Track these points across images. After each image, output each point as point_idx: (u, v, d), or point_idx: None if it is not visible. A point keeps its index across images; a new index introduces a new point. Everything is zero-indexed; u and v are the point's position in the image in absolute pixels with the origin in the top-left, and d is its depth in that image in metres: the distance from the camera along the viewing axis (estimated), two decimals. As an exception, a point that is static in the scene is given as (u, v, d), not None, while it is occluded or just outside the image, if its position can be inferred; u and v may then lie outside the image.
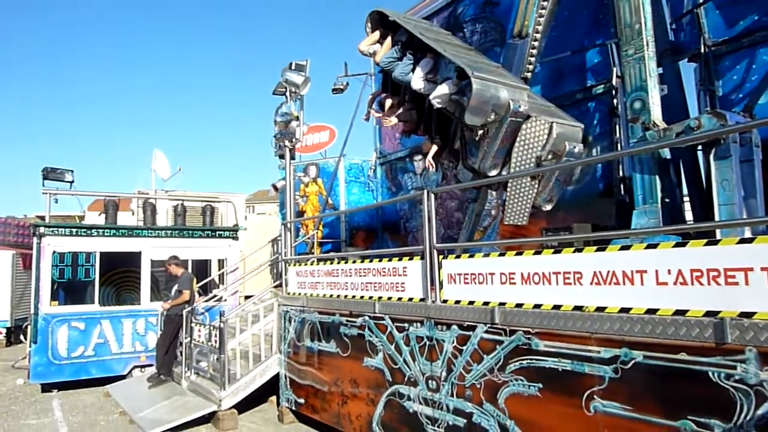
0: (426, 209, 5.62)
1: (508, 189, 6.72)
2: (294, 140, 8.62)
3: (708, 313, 3.37)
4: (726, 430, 3.20)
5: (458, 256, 5.37)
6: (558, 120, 6.80)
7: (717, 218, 6.37)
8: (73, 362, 10.53)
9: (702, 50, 7.54)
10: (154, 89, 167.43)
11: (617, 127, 8.21)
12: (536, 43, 7.72)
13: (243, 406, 8.44)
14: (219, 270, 12.51)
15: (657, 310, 3.63)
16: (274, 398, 9.04)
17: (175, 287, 9.94)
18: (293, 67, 8.39)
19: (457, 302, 5.21)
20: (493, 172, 6.70)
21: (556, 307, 4.27)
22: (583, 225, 7.88)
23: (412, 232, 12.64)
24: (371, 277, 6.50)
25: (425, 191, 5.67)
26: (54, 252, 10.63)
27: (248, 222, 18.52)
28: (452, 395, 5.17)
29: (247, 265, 13.61)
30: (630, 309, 3.78)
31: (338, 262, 7.33)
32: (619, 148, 8.19)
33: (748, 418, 3.13)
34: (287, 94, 8.57)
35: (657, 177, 6.88)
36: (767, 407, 3.08)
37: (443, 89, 6.63)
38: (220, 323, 8.24)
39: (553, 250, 4.38)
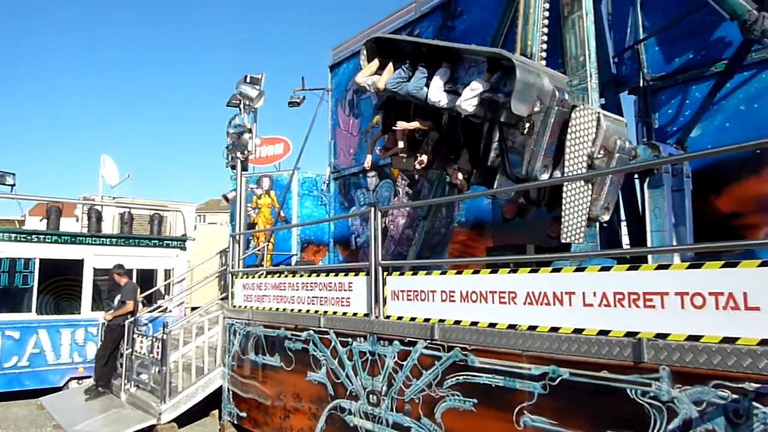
0: (372, 226, 5.76)
1: (564, 201, 5.72)
2: (246, 152, 8.66)
3: (628, 334, 3.61)
4: (641, 444, 3.43)
5: (402, 273, 5.52)
6: (603, 111, 6.21)
7: (649, 243, 6.76)
8: (6, 373, 10.13)
9: (641, 84, 8.01)
10: (104, 92, 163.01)
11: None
12: (543, 63, 7.31)
13: (184, 419, 8.33)
14: (165, 280, 12.31)
15: (583, 330, 3.86)
16: (216, 412, 8.95)
17: (118, 297, 9.75)
18: (248, 80, 8.46)
19: (400, 318, 5.35)
20: (545, 176, 5.82)
21: (492, 324, 4.46)
22: (530, 247, 8.21)
23: (362, 248, 12.77)
24: (318, 291, 6.58)
25: (372, 209, 5.82)
26: (-10, 257, 10.26)
27: (197, 232, 18.28)
28: (392, 410, 5.29)
29: (194, 276, 13.44)
30: (559, 328, 4.00)
31: (286, 276, 7.37)
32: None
33: (660, 432, 3.36)
34: (241, 106, 8.62)
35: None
36: (677, 422, 3.32)
37: (473, 90, 5.86)
38: (163, 335, 8.14)
39: (490, 270, 4.59)
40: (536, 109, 5.60)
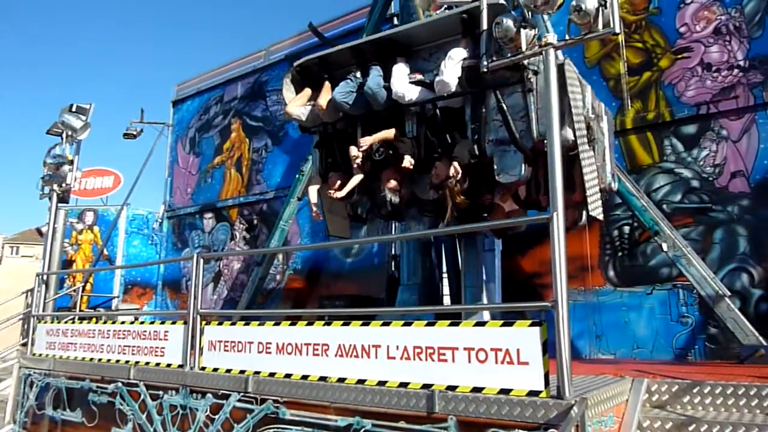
0: (194, 274, 5.63)
1: (584, 165, 5.02)
2: (64, 185, 8.03)
3: (424, 386, 3.91)
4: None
5: (221, 323, 5.44)
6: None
7: (463, 298, 7.37)
8: None
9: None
10: None
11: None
12: None
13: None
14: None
15: (386, 381, 4.09)
16: (0, 477, 7.86)
17: None
18: (73, 109, 7.93)
19: (215, 370, 5.23)
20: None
21: (305, 377, 4.54)
22: (361, 297, 8.52)
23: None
24: (131, 340, 6.21)
25: (195, 255, 5.69)
26: None
27: (4, 266, 16.28)
28: (200, 467, 5.09)
29: (-3, 316, 11.86)
30: (365, 380, 4.20)
31: (96, 322, 6.86)
32: (394, 229, 8.98)
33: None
34: (63, 135, 8.04)
35: (420, 258, 7.78)
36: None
37: (452, 60, 5.15)
38: (-61, 387, 7.07)
39: (306, 322, 4.71)
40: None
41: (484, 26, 4.30)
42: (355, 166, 5.94)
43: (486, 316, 6.51)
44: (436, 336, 3.92)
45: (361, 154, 5.85)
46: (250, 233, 11.66)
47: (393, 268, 9.17)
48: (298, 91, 6.51)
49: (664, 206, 7.16)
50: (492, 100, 5.27)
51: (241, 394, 4.88)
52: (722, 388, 4.19)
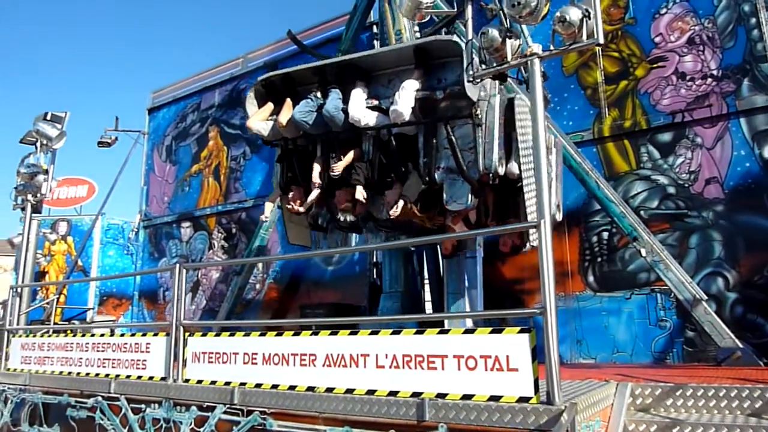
0: (177, 284, 5.56)
1: (527, 197, 5.34)
2: (39, 195, 7.87)
3: (414, 394, 3.92)
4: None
5: (205, 334, 5.38)
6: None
7: (446, 305, 7.41)
8: None
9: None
10: None
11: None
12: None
13: None
14: None
15: (375, 390, 4.10)
16: (-29, 497, 7.62)
17: None
18: (48, 118, 7.79)
19: (200, 382, 5.17)
20: (501, 169, 5.45)
21: (292, 387, 4.52)
22: (340, 305, 8.51)
23: (171, 302, 12.10)
24: (111, 352, 6.09)
25: (177, 266, 5.62)
26: None
27: (-29, 279, 15.85)
28: (184, 481, 5.01)
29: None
30: (354, 390, 4.20)
31: (74, 335, 6.72)
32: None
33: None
34: (37, 144, 7.88)
35: (402, 266, 7.80)
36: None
37: (405, 90, 5.49)
38: None
39: (293, 332, 4.69)
40: (483, 93, 5.45)
41: (470, 36, 4.36)
42: (315, 185, 6.27)
43: (469, 323, 6.56)
44: (425, 344, 3.94)
45: (319, 180, 6.21)
46: (229, 242, 11.56)
47: (375, 276, 9.19)
48: (261, 105, 6.67)
49: (642, 212, 7.31)
50: (443, 131, 5.59)
51: (227, 405, 4.83)
52: (704, 391, 4.28)
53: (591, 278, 7.64)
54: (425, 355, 3.93)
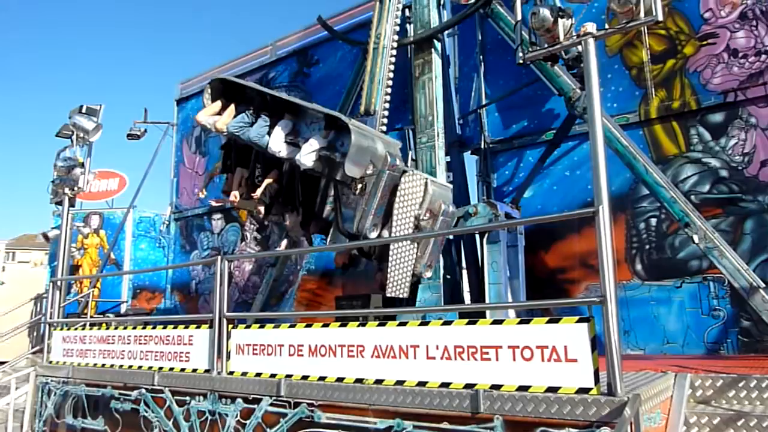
0: (218, 276, 5.65)
1: (390, 257, 6.44)
2: (76, 188, 8.06)
3: (467, 386, 3.94)
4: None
5: (248, 326, 5.46)
6: (430, 177, 7.03)
7: (487, 295, 7.38)
8: None
9: (482, 146, 8.88)
10: None
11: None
12: (385, 120, 8.11)
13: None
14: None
15: (426, 382, 4.12)
16: (18, 488, 7.91)
17: None
18: (84, 111, 7.95)
19: (244, 374, 5.27)
20: (374, 234, 6.45)
21: (340, 379, 4.58)
22: (377, 296, 8.54)
23: (203, 295, 12.31)
24: (153, 345, 6.24)
25: (219, 257, 5.72)
26: None
27: (6, 273, 16.34)
28: (231, 473, 5.12)
29: (2, 326, 11.91)
30: (404, 381, 4.23)
31: (115, 328, 6.89)
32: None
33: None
34: (73, 138, 8.06)
35: (441, 256, 7.79)
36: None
37: (312, 145, 6.42)
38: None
39: (339, 323, 4.74)
40: (369, 172, 6.24)
41: (518, 17, 4.31)
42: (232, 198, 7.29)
43: (511, 314, 6.54)
44: (478, 335, 3.95)
45: (237, 197, 7.26)
46: (262, 233, 11.67)
47: (412, 266, 9.18)
48: (214, 99, 7.40)
49: (693, 197, 7.15)
50: (332, 188, 6.64)
51: (273, 398, 4.91)
52: (769, 382, 4.21)
53: (639, 266, 7.52)
54: (478, 345, 3.93)
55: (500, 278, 7.39)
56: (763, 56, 7.14)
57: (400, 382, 4.25)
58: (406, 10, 9.86)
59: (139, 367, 6.31)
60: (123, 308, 12.51)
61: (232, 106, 7.14)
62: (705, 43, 7.53)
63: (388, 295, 6.55)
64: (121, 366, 6.56)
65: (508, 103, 8.79)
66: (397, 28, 8.43)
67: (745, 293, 6.21)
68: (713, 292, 6.99)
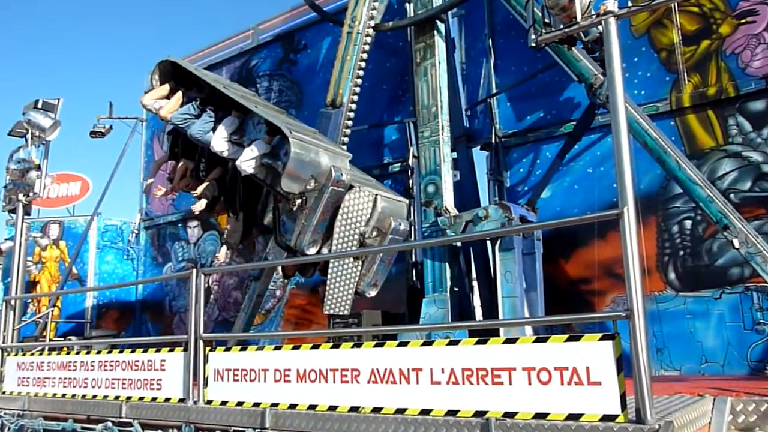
0: (194, 292, 5.65)
1: (329, 273, 6.79)
2: (32, 194, 8.07)
3: (477, 413, 3.93)
4: None
5: (229, 348, 5.46)
6: (382, 193, 7.27)
7: (500, 310, 7.39)
8: None
9: (493, 140, 8.90)
10: None
11: (411, 208, 9.14)
12: (352, 114, 8.45)
13: None
14: None
15: (431, 410, 4.12)
16: None
17: None
18: (39, 106, 7.97)
19: (224, 403, 5.26)
20: (312, 250, 6.73)
21: (332, 407, 4.57)
22: (373, 312, 8.53)
23: (178, 313, 12.32)
24: (120, 371, 6.24)
25: (194, 271, 5.72)
26: None
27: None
28: None
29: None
30: (405, 409, 4.23)
31: (77, 352, 6.89)
32: (413, 231, 9.04)
33: None
34: (28, 136, 8.08)
35: (447, 265, 7.82)
36: None
37: (253, 151, 6.64)
38: None
39: (332, 344, 4.74)
40: (309, 187, 6.54)
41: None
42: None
43: (528, 331, 6.55)
44: (490, 355, 3.95)
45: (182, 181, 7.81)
46: (243, 243, 11.67)
47: (414, 278, 9.20)
48: (162, 82, 7.68)
49: (732, 195, 7.18)
50: (273, 197, 7.00)
51: (257, 429, 4.90)
52: (821, 406, 4.21)
53: (672, 275, 7.54)
54: (489, 368, 3.93)
55: (515, 290, 7.39)
56: (810, 35, 7.18)
57: (400, 411, 4.24)
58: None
59: (105, 397, 6.31)
60: (86, 330, 12.51)
61: (180, 93, 7.45)
62: (743, 21, 7.57)
63: (325, 312, 7.01)
64: (84, 396, 6.56)
65: (522, 91, 8.83)
66: (374, 12, 8.51)
67: (794, 304, 6.23)
68: (757, 304, 7.01)
